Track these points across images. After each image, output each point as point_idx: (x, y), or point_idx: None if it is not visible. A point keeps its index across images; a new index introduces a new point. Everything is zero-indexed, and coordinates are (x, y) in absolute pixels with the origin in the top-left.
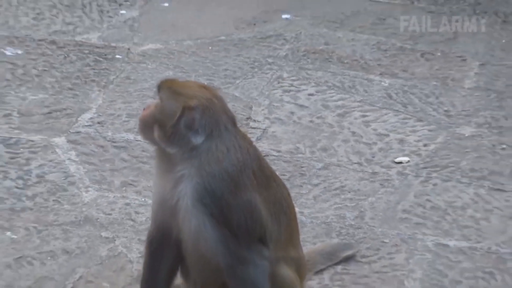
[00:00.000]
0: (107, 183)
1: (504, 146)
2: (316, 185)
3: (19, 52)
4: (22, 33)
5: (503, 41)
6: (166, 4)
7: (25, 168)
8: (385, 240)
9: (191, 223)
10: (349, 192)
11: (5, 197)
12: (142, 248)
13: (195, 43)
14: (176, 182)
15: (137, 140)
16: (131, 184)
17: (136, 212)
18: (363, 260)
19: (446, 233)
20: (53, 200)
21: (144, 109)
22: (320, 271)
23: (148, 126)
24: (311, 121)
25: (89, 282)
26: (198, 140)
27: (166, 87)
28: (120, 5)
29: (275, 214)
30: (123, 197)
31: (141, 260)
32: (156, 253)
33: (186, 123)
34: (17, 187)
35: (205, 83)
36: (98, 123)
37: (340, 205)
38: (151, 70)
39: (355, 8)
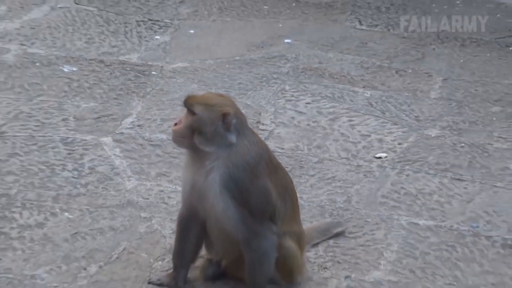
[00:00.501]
0: (145, 174)
1: (462, 144)
2: (312, 175)
3: (74, 69)
4: (77, 54)
5: (461, 60)
6: (192, 31)
7: (79, 162)
8: (368, 220)
9: (219, 205)
10: (339, 181)
11: (64, 185)
12: (173, 226)
13: (215, 62)
14: (207, 173)
15: (169, 140)
16: (164, 175)
17: (168, 197)
18: (350, 235)
19: (417, 214)
20: (102, 187)
21: (175, 124)
22: (316, 244)
23: (186, 135)
24: (308, 125)
25: (131, 253)
26: (233, 139)
27: (196, 102)
28: (155, 31)
29: (282, 196)
30: (158, 185)
31: (173, 236)
32: (185, 230)
33: (224, 126)
34: (73, 177)
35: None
36: (138, 126)
37: (331, 192)
38: (180, 83)
39: (343, 34)
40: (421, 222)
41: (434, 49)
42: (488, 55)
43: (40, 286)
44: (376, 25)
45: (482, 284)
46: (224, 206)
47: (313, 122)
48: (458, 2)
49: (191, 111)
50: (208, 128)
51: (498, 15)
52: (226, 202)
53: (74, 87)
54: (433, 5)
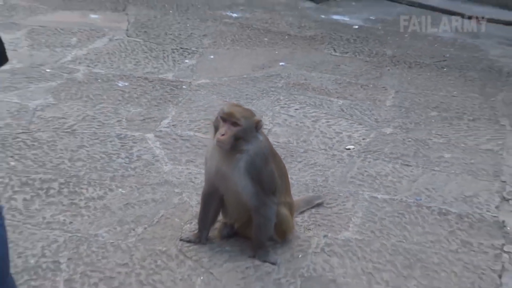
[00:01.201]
0: (178, 160)
1: (410, 139)
2: (300, 162)
3: (126, 84)
4: (128, 73)
5: (409, 78)
6: (212, 57)
7: (130, 151)
8: (340, 194)
9: (241, 183)
10: (319, 166)
11: (118, 168)
12: (198, 198)
13: (229, 79)
14: (236, 161)
15: (195, 136)
16: (191, 161)
17: (195, 178)
18: (327, 206)
19: (376, 190)
20: (146, 170)
21: (222, 134)
22: (302, 212)
23: (234, 140)
24: (296, 125)
25: (167, 218)
26: (261, 137)
27: (238, 117)
28: (185, 57)
29: (280, 176)
30: (187, 169)
31: (198, 206)
32: (207, 201)
33: (258, 129)
34: (125, 163)
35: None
36: (172, 125)
37: (313, 174)
38: (203, 95)
39: (322, 59)
40: (379, 196)
41: (388, 69)
42: (428, 74)
43: (101, 242)
44: (347, 52)
45: (423, 241)
46: (245, 184)
47: (300, 123)
48: (406, 35)
49: (235, 123)
50: (248, 133)
51: (436, 45)
52: (246, 181)
53: (126, 97)
54: (388, 38)
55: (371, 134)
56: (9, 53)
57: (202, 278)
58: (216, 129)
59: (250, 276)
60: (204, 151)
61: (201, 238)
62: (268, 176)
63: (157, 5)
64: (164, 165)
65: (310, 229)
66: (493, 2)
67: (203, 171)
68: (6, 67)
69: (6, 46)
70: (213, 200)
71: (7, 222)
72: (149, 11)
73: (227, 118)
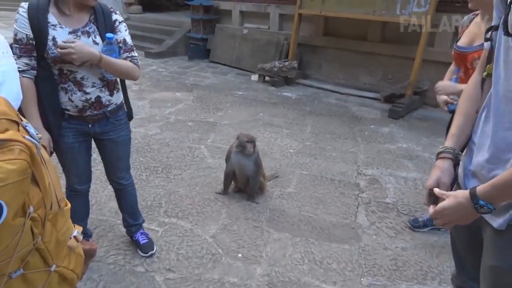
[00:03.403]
0: (214, 157)
1: (317, 147)
2: (269, 157)
3: (192, 123)
4: (193, 118)
5: (317, 120)
6: (230, 111)
7: (193, 153)
8: (286, 172)
9: (250, 168)
10: (277, 159)
11: (188, 161)
12: (222, 175)
13: (238, 121)
14: (247, 159)
15: (223, 146)
16: (221, 158)
17: (222, 165)
18: (281, 179)
19: (303, 170)
20: (200, 162)
21: (251, 148)
22: (269, 180)
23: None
24: (268, 141)
25: (209, 183)
26: (256, 148)
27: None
28: (217, 111)
29: (260, 164)
30: (219, 161)
31: (222, 177)
32: (228, 176)
33: (254, 146)
34: (191, 158)
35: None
36: (212, 142)
37: (275, 163)
38: (226, 128)
39: (278, 112)
40: (304, 172)
41: (308, 116)
42: (325, 118)
43: (180, 194)
44: (289, 109)
45: (324, 192)
46: (252, 168)
47: (269, 140)
48: (315, 102)
49: (254, 143)
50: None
51: (329, 106)
52: (252, 166)
53: (192, 129)
54: (308, 102)
55: (300, 144)
56: (138, 110)
57: (225, 210)
58: (241, 144)
59: (247, 208)
60: (226, 153)
61: (224, 192)
62: (258, 165)
63: (206, 89)
64: (208, 159)
65: (272, 187)
66: (362, 87)
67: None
68: (138, 117)
69: (139, 108)
70: (230, 175)
71: (139, 185)
72: (203, 92)
73: (250, 141)
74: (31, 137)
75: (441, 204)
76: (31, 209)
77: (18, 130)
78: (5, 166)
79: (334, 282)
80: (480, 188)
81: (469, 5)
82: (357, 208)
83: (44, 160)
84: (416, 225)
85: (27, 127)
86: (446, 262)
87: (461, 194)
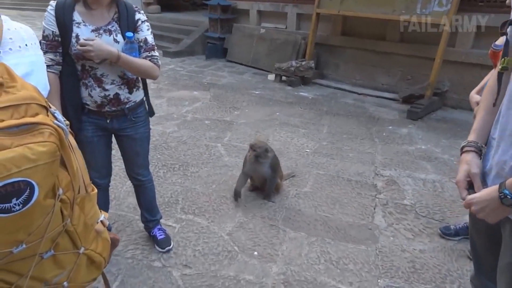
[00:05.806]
0: (231, 156)
1: (334, 147)
2: (285, 157)
3: (209, 122)
4: (210, 117)
5: (334, 120)
6: (247, 110)
7: (210, 151)
8: (302, 171)
9: (267, 171)
10: (293, 159)
11: (205, 159)
12: (238, 173)
13: (254, 120)
14: (262, 166)
15: (239, 145)
16: (237, 157)
17: (239, 164)
18: (297, 178)
19: (320, 169)
20: (217, 160)
21: (251, 154)
22: (286, 180)
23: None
24: (284, 140)
25: (226, 181)
26: (271, 154)
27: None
28: (234, 110)
29: (278, 165)
30: (235, 160)
31: (238, 175)
32: (244, 176)
33: (268, 151)
34: (208, 156)
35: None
36: (229, 140)
37: (291, 162)
38: (243, 127)
39: (295, 112)
40: (321, 172)
41: (324, 116)
42: (342, 118)
43: (197, 191)
44: (306, 109)
45: (341, 192)
46: (268, 171)
47: (285, 140)
48: (333, 102)
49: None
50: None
51: (346, 106)
52: (268, 170)
53: (209, 127)
54: (324, 102)
55: (317, 144)
56: (156, 108)
57: (241, 208)
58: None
59: (263, 206)
60: (243, 153)
61: (235, 198)
62: (274, 169)
63: (223, 88)
64: (225, 157)
65: (289, 187)
66: (380, 87)
67: (241, 163)
68: (156, 115)
69: (157, 106)
70: (246, 177)
71: (157, 182)
72: (220, 91)
73: (251, 148)
74: (60, 122)
75: (471, 196)
76: (61, 191)
77: (47, 115)
78: (36, 148)
79: (351, 282)
80: (510, 180)
81: (507, 1)
82: (374, 209)
83: (72, 145)
84: (447, 233)
85: (55, 114)
86: (466, 266)
87: (493, 187)
